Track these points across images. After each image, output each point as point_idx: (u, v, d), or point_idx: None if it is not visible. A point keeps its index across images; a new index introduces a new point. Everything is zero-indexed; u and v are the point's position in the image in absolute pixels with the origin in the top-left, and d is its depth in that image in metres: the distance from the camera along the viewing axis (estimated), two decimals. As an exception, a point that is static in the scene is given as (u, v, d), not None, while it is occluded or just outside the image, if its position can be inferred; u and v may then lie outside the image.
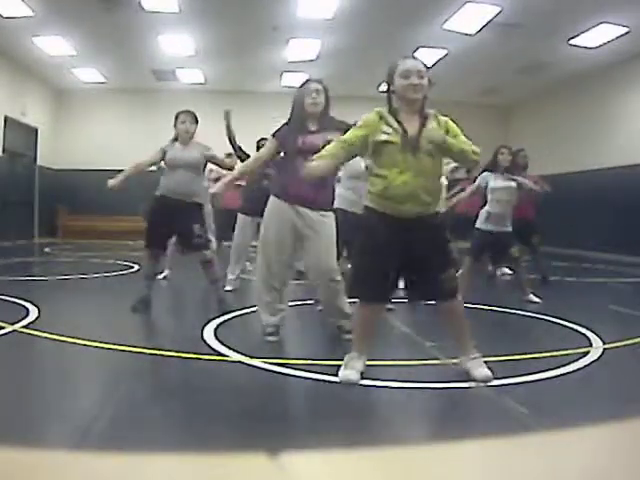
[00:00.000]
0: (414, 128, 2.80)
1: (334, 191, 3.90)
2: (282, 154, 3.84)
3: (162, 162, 4.85)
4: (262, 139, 5.97)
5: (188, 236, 4.68)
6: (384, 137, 2.79)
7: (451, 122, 2.96)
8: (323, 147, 3.35)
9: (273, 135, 3.82)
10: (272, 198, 3.79)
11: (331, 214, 3.75)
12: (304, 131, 3.67)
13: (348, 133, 2.97)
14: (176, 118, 4.84)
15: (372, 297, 2.92)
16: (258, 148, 5.92)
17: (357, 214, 3.93)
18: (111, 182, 4.76)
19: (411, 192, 2.77)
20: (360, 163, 4.58)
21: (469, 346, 2.97)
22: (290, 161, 3.68)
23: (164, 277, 6.77)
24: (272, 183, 4.17)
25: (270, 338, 3.72)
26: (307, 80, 3.83)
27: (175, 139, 4.84)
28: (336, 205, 3.99)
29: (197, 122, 4.89)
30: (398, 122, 2.80)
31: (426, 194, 2.80)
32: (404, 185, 2.76)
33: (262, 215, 5.12)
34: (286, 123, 3.81)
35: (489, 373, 2.84)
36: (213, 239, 6.89)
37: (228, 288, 5.96)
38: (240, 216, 6.06)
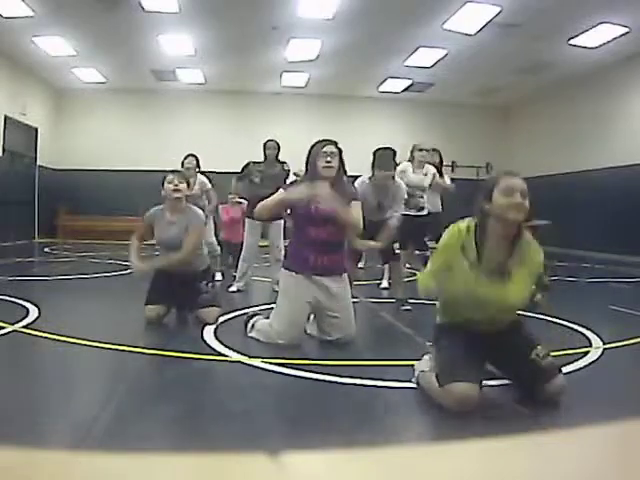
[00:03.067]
0: (501, 255, 2.55)
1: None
2: (291, 219, 3.83)
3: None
4: (250, 163, 6.14)
5: (195, 296, 4.21)
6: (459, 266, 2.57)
7: (538, 254, 2.64)
8: (334, 217, 3.48)
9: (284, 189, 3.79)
10: (286, 272, 3.68)
11: (345, 278, 3.78)
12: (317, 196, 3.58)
13: (434, 262, 2.73)
14: (163, 179, 4.25)
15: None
16: (242, 171, 6.09)
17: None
18: (138, 271, 4.31)
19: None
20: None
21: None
22: (302, 229, 3.65)
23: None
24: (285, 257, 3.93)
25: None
26: (321, 140, 3.72)
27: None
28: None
29: (189, 184, 4.43)
30: (478, 253, 2.55)
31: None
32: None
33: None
34: (295, 181, 3.81)
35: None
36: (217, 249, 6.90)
37: (233, 289, 5.96)
38: (248, 220, 6.07)
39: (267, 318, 3.78)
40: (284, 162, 6.12)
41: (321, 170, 3.62)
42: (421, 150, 6.15)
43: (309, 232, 3.60)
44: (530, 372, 2.55)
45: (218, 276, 6.79)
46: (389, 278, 6.01)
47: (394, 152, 4.92)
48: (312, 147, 3.75)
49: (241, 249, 7.29)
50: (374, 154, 4.89)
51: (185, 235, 4.12)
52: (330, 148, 3.63)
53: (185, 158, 6.61)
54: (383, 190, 4.82)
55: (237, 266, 7.47)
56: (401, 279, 5.24)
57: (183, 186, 4.17)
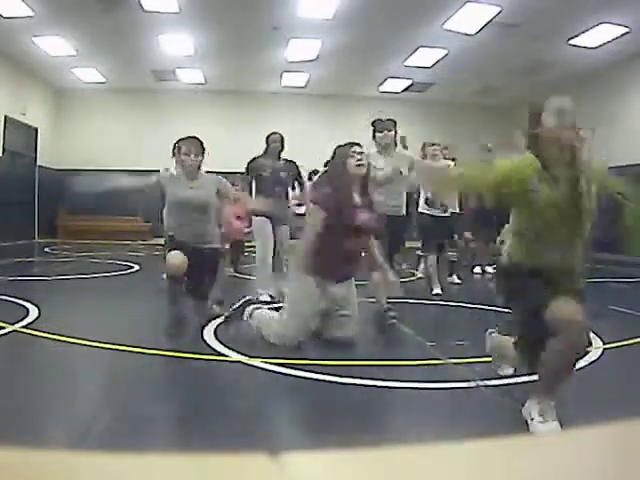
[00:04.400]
0: (565, 184, 2.33)
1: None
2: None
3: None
4: (273, 133, 5.66)
5: (197, 285, 4.17)
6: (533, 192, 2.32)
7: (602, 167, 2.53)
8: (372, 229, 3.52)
9: (315, 202, 3.64)
10: (307, 278, 3.57)
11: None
12: (352, 204, 3.62)
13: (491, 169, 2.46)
14: (178, 148, 4.18)
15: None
16: (247, 170, 5.62)
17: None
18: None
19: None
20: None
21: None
22: (336, 238, 3.55)
23: None
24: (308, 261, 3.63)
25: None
26: (347, 143, 3.79)
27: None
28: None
29: (204, 151, 4.22)
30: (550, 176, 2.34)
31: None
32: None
33: (283, 221, 5.19)
34: (323, 183, 3.79)
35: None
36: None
37: (265, 298, 5.29)
38: (258, 219, 5.48)
39: (270, 310, 3.78)
40: (291, 161, 5.63)
41: (354, 168, 3.65)
42: (432, 145, 6.21)
43: (345, 243, 3.57)
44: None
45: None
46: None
47: (394, 121, 4.95)
48: (337, 149, 3.80)
49: (241, 247, 7.22)
50: (373, 124, 4.91)
51: (212, 197, 4.17)
52: (359, 148, 3.73)
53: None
54: (390, 157, 4.80)
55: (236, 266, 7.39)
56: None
57: (199, 158, 4.18)
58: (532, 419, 2.30)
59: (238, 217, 7.17)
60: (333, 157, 3.81)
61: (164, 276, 6.44)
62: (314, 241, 3.52)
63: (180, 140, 4.19)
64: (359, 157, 3.66)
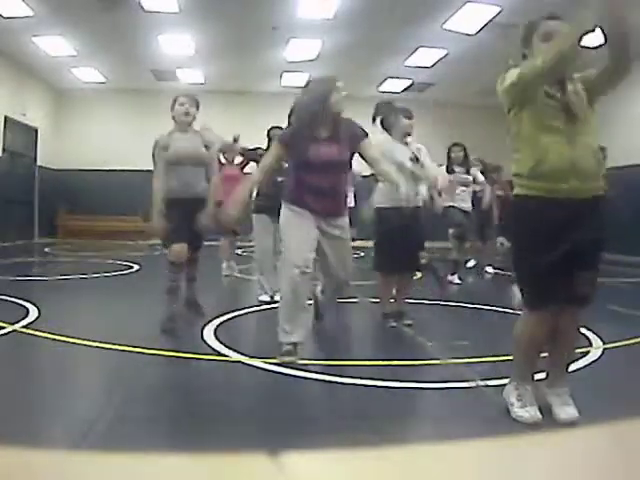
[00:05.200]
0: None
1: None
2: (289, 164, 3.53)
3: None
4: (273, 127, 5.63)
5: (194, 234, 4.19)
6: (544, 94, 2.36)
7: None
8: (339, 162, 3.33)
9: (280, 140, 3.46)
10: (288, 206, 3.43)
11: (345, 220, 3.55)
12: (316, 139, 3.36)
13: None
14: (173, 101, 4.31)
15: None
16: (269, 138, 5.52)
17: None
18: (156, 225, 4.13)
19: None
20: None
21: (562, 376, 2.48)
22: (301, 175, 3.40)
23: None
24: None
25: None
26: (330, 77, 3.62)
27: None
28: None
29: (198, 106, 4.35)
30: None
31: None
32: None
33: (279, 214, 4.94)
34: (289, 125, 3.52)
35: (575, 413, 2.34)
36: None
37: (265, 298, 5.27)
38: (257, 216, 5.33)
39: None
40: None
41: (337, 104, 3.42)
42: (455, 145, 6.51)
43: (313, 178, 3.35)
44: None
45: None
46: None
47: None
48: (313, 82, 3.67)
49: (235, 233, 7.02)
50: (379, 108, 4.45)
51: (201, 148, 4.24)
52: (341, 84, 3.50)
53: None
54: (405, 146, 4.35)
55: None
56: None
57: (193, 110, 4.26)
58: (512, 404, 2.39)
59: (234, 178, 6.71)
60: (302, 92, 3.59)
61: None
62: (290, 176, 3.46)
63: (177, 95, 4.35)
64: (343, 92, 3.45)
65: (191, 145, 4.20)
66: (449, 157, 7.01)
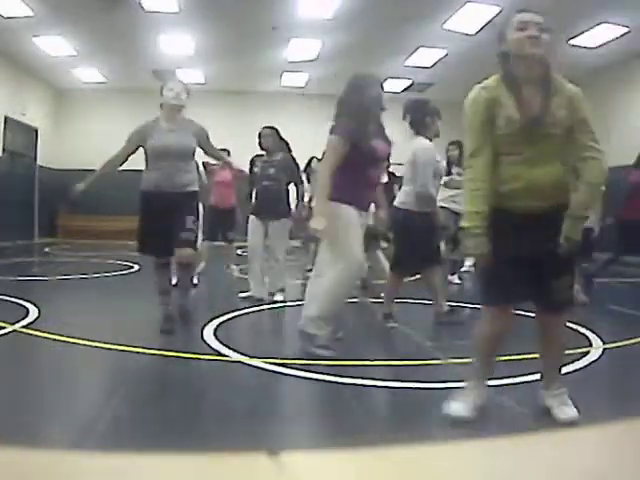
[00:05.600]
0: (536, 102, 2.27)
1: None
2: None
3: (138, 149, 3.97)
4: (265, 128, 5.62)
5: (179, 228, 3.79)
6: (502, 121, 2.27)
7: (582, 97, 2.38)
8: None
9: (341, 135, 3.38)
10: (345, 206, 3.37)
11: None
12: (374, 136, 3.45)
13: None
14: (161, 88, 4.05)
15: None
16: (261, 138, 5.54)
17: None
18: (79, 186, 4.13)
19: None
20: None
21: (555, 378, 2.46)
22: (361, 169, 3.43)
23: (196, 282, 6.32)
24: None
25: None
26: (371, 75, 3.66)
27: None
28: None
29: (189, 94, 4.03)
30: (516, 97, 2.27)
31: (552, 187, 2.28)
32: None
33: (273, 215, 4.91)
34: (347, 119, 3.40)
35: (575, 413, 2.33)
36: (200, 239, 6.64)
37: (243, 295, 5.42)
38: (251, 218, 5.46)
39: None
40: (290, 157, 5.54)
41: (382, 102, 3.56)
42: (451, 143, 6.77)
43: (369, 171, 3.45)
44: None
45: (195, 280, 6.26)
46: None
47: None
48: (358, 79, 3.65)
49: (232, 217, 7.09)
50: (416, 108, 4.51)
51: (194, 143, 3.90)
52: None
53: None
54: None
55: (228, 240, 7.19)
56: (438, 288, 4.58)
57: (184, 95, 3.94)
58: (453, 398, 2.45)
59: (227, 183, 6.93)
60: (353, 87, 3.58)
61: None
62: (339, 172, 3.35)
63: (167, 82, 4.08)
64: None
65: (176, 140, 3.82)
66: (447, 157, 7.03)
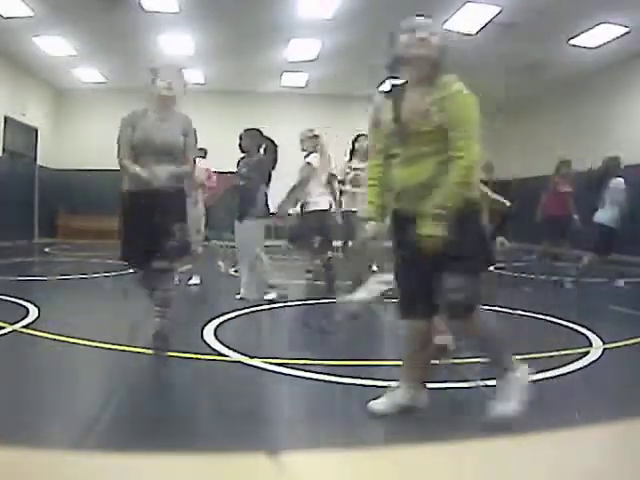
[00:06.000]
0: (421, 102, 2.29)
1: None
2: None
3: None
4: (247, 130, 5.72)
5: (164, 235, 3.38)
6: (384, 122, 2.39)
7: (461, 96, 2.33)
8: None
9: None
10: None
11: None
12: None
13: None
14: (154, 72, 3.54)
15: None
16: (241, 140, 5.66)
17: None
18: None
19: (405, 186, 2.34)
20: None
21: (499, 370, 2.42)
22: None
23: (194, 284, 6.38)
24: None
25: None
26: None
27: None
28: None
29: (186, 83, 3.71)
30: (394, 98, 2.37)
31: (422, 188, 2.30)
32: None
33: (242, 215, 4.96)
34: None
35: (510, 411, 2.31)
36: (199, 244, 6.50)
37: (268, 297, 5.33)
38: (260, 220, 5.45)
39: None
40: (260, 158, 5.53)
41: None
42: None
43: None
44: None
45: (195, 279, 6.41)
46: None
47: None
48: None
49: (207, 215, 7.15)
50: None
51: (180, 139, 3.47)
52: None
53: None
54: None
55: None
56: None
57: (180, 86, 3.56)
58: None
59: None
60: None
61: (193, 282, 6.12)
62: None
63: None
64: None
65: (164, 134, 3.41)
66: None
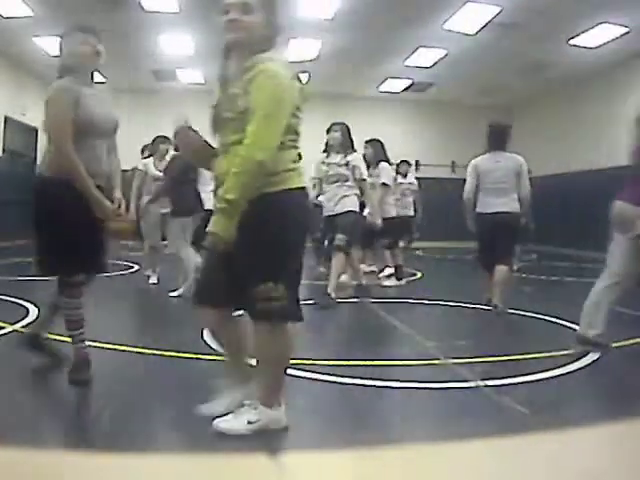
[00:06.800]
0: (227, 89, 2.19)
1: None
2: None
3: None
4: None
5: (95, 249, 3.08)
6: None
7: (261, 77, 2.09)
8: None
9: None
10: None
11: None
12: None
13: None
14: (66, 38, 2.99)
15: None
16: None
17: None
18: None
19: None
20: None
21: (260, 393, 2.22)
22: None
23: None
24: None
25: None
26: None
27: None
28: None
29: (99, 40, 2.88)
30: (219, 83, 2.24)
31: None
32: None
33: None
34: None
35: (229, 428, 2.10)
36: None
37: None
38: (180, 219, 5.47)
39: None
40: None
41: None
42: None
43: None
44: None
45: (153, 278, 6.37)
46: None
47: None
48: None
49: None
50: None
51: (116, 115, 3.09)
52: None
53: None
54: None
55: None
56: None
57: (101, 47, 2.90)
58: None
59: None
60: None
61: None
62: None
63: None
64: None
65: (105, 110, 2.98)
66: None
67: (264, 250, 2.07)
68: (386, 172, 6.53)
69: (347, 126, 5.54)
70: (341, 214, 5.28)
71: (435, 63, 12.12)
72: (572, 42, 10.30)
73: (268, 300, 2.06)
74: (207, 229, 2.08)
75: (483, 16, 9.34)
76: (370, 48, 11.29)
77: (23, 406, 2.50)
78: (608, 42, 10.13)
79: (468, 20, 9.52)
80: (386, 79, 13.70)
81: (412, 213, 8.12)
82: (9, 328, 3.81)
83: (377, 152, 6.58)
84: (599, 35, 9.87)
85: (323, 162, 5.60)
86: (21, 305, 4.63)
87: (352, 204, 5.33)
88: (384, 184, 6.38)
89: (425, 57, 11.78)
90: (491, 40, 10.34)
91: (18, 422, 2.27)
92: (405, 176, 8.30)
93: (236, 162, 2.02)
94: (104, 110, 2.93)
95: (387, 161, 6.65)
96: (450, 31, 10.12)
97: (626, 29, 9.51)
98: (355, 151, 5.54)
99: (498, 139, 5.13)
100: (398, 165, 8.16)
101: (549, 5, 8.71)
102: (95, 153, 2.87)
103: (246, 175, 2.02)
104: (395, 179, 7.85)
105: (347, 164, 5.34)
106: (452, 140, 14.60)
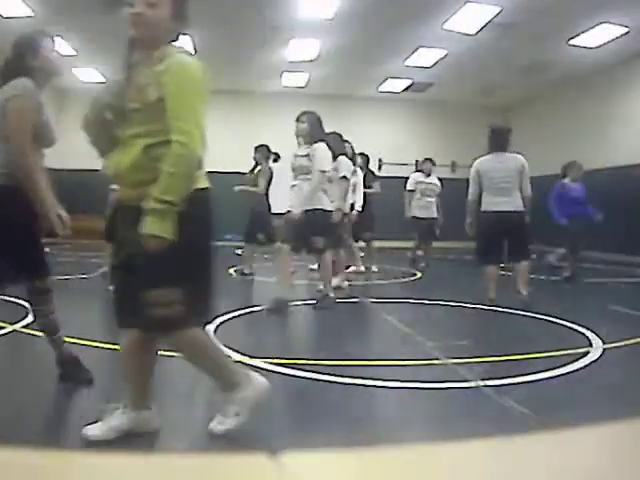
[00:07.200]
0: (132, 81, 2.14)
1: None
2: None
3: None
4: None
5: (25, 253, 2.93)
6: None
7: (178, 67, 2.07)
8: None
9: None
10: None
11: None
12: None
13: None
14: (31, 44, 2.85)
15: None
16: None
17: None
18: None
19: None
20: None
21: (223, 385, 2.27)
22: None
23: None
24: None
25: None
26: None
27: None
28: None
29: None
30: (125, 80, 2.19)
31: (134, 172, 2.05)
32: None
33: None
34: None
35: (222, 429, 2.21)
36: None
37: None
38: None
39: None
40: None
41: None
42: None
43: None
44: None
45: None
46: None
47: None
48: None
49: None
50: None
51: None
52: None
53: None
54: None
55: None
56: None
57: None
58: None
59: None
60: None
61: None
62: None
63: None
64: None
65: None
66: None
67: (167, 255, 1.93)
68: (345, 166, 6.16)
69: (318, 116, 5.14)
70: (309, 211, 4.90)
71: (435, 63, 12.12)
72: (572, 42, 10.30)
73: (158, 307, 1.97)
74: (140, 232, 1.90)
75: (483, 16, 9.34)
76: (370, 48, 11.29)
77: (23, 406, 2.50)
78: (608, 42, 10.14)
79: (468, 20, 9.53)
80: (386, 79, 13.70)
81: (434, 215, 8.10)
82: (9, 328, 3.81)
83: (337, 145, 6.01)
84: (599, 35, 9.87)
85: (294, 155, 5.25)
86: (21, 305, 4.62)
87: (319, 201, 4.94)
88: (344, 177, 6.06)
89: (425, 57, 11.78)
90: (491, 40, 10.34)
91: (18, 422, 2.27)
92: (428, 175, 8.21)
93: (170, 161, 1.92)
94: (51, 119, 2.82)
95: (345, 155, 6.29)
96: (450, 31, 10.12)
97: (626, 29, 9.51)
98: (323, 141, 5.03)
99: (499, 140, 5.17)
100: (418, 163, 8.06)
101: (549, 5, 8.71)
102: (42, 163, 2.83)
103: (185, 174, 1.95)
104: (415, 179, 7.89)
105: (308, 155, 4.96)
106: (452, 140, 14.60)
